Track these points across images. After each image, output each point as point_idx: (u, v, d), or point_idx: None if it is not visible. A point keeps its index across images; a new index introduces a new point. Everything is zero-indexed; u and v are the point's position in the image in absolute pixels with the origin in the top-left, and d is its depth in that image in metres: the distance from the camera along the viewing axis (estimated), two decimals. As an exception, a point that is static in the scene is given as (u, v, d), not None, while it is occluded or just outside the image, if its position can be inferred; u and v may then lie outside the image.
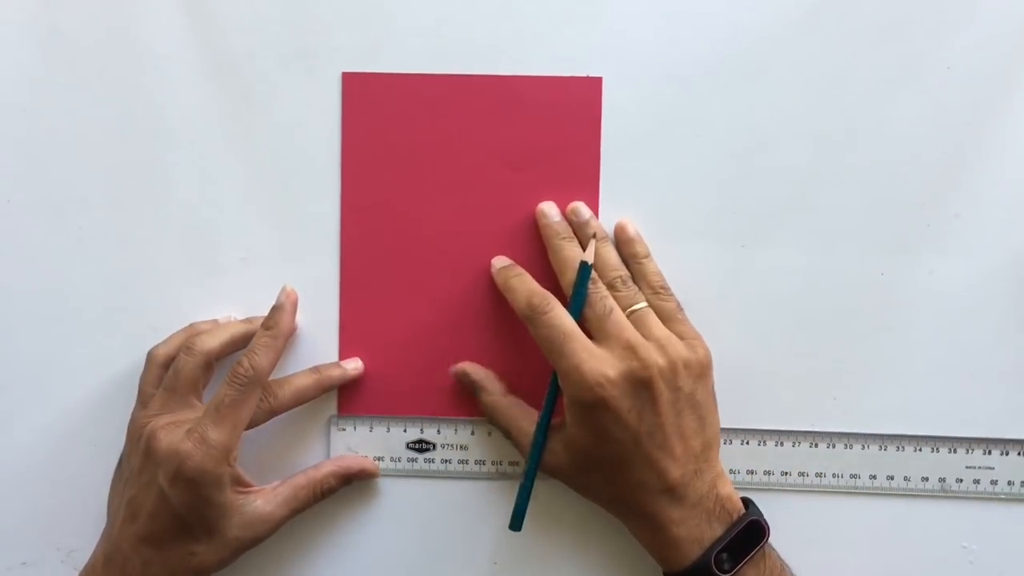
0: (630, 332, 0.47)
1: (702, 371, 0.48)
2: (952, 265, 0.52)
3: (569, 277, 0.49)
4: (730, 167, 0.52)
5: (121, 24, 0.52)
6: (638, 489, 0.47)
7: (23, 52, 0.52)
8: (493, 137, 0.52)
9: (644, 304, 0.49)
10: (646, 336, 0.48)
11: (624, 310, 0.49)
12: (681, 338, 0.49)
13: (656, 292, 0.50)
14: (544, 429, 0.49)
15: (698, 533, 0.47)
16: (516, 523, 0.49)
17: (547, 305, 0.48)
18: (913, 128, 0.52)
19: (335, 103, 0.52)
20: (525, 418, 0.51)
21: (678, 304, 0.50)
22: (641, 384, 0.46)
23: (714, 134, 0.52)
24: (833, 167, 0.52)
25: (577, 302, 0.48)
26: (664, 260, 0.52)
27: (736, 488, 0.48)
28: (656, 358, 0.47)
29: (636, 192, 0.52)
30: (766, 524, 0.48)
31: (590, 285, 0.49)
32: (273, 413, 0.50)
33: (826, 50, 0.52)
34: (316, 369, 0.52)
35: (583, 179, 0.52)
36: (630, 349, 0.47)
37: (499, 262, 0.52)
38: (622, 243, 0.51)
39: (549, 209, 0.51)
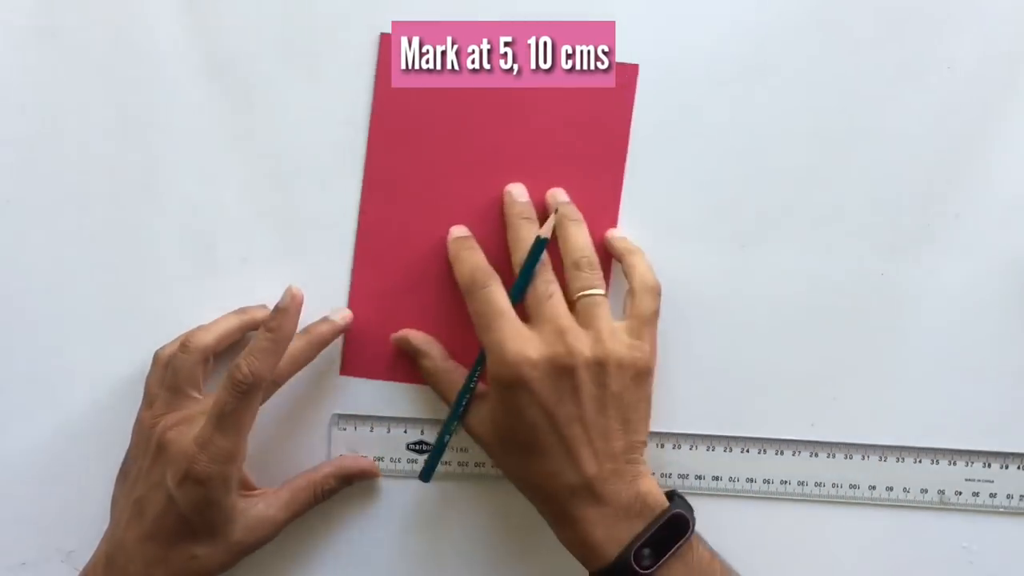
0: (566, 319, 0.47)
1: (637, 374, 0.47)
2: (952, 265, 0.52)
3: (520, 256, 0.49)
4: (730, 167, 0.52)
5: (121, 24, 0.52)
6: (552, 480, 0.46)
7: (23, 52, 0.52)
8: (510, 141, 0.52)
9: (601, 292, 0.48)
10: (586, 325, 0.47)
11: (576, 292, 0.48)
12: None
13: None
14: (466, 391, 0.49)
15: (617, 532, 0.45)
16: (426, 475, 0.51)
17: (487, 280, 0.48)
18: (913, 128, 0.52)
19: (335, 103, 0.52)
20: (462, 383, 0.50)
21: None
22: (563, 371, 0.46)
23: (714, 134, 0.52)
24: (833, 167, 0.52)
25: (522, 281, 0.48)
26: (664, 260, 0.52)
27: (735, 496, 0.47)
28: (583, 348, 0.46)
29: (636, 192, 0.52)
30: (691, 516, 0.46)
31: (538, 267, 0.48)
32: (276, 386, 0.50)
33: (827, 50, 0.52)
34: (305, 330, 0.51)
35: (606, 183, 0.52)
36: (559, 334, 0.46)
37: (457, 231, 0.51)
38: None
39: (515, 189, 0.51)
